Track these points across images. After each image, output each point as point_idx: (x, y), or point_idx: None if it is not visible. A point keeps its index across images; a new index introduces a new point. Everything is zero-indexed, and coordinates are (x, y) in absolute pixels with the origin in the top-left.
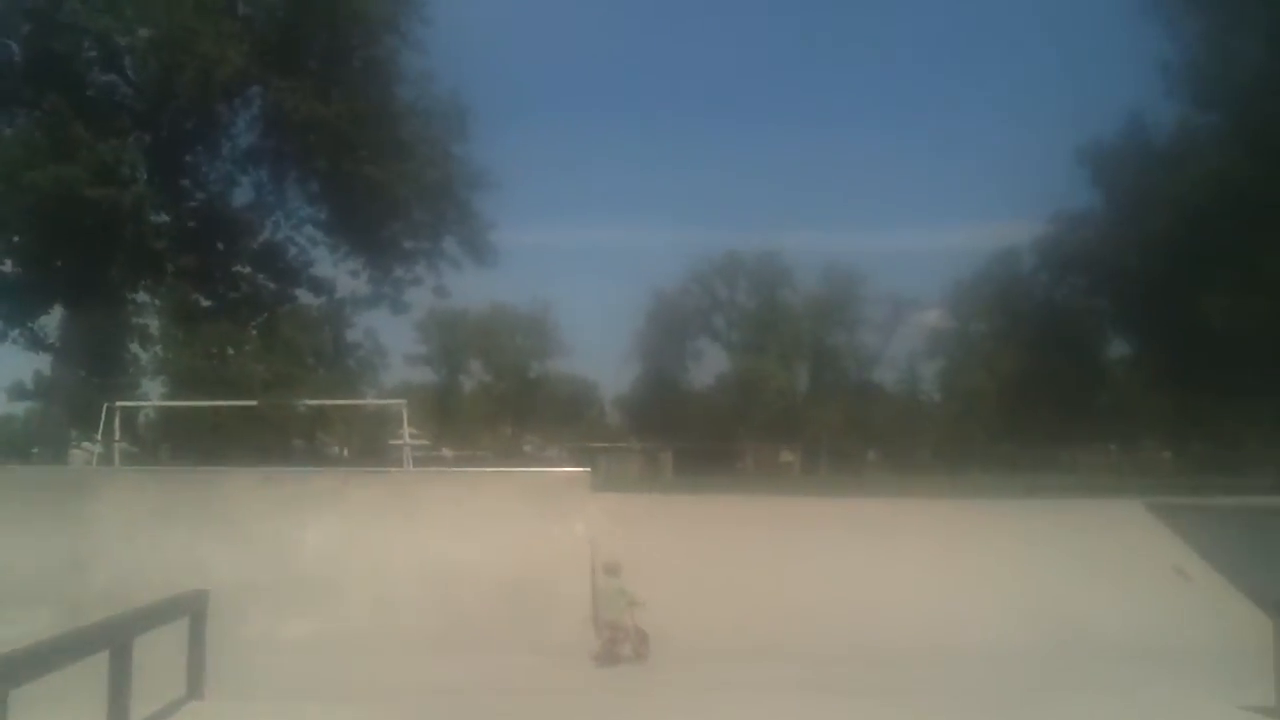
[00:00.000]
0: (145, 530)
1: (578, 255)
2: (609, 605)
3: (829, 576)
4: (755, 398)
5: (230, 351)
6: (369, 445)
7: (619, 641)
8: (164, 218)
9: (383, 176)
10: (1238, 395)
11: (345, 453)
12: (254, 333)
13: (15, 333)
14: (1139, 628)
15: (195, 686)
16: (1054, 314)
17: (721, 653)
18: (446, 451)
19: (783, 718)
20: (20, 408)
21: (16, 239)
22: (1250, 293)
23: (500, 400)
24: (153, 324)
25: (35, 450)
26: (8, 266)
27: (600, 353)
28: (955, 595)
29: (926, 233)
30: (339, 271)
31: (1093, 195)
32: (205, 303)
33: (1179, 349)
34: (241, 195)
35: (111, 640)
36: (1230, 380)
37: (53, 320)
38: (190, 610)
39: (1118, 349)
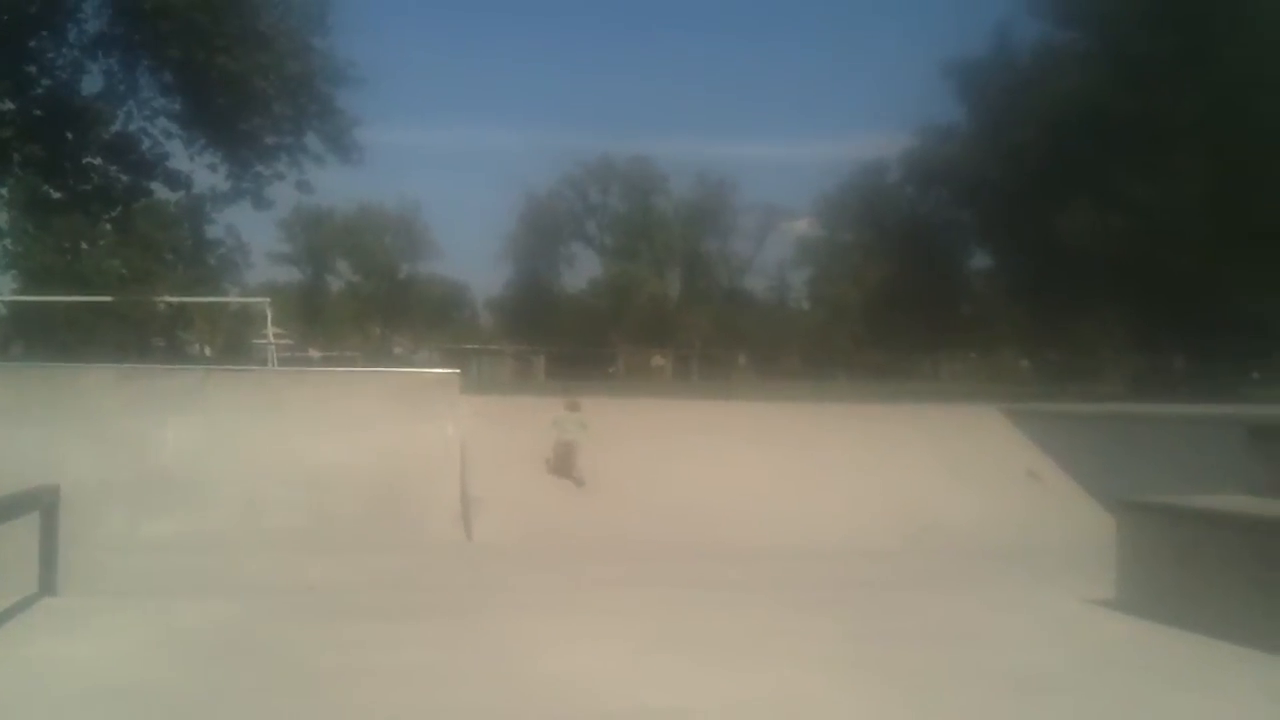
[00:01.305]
0: None
1: (449, 156)
2: (568, 428)
3: (693, 477)
4: (628, 302)
5: (84, 246)
6: (233, 344)
7: (572, 457)
8: (8, 105)
9: (239, 68)
10: (1092, 307)
11: (208, 352)
12: (109, 227)
13: None
14: (992, 527)
15: (48, 583)
16: (918, 226)
17: (590, 549)
18: (314, 352)
19: (641, 609)
20: None
21: None
22: (1107, 209)
23: (369, 301)
24: (1, 217)
25: None
26: None
27: (472, 255)
28: (815, 496)
29: (798, 143)
30: (196, 165)
31: (958, 110)
32: (55, 195)
33: (1038, 261)
34: (91, 84)
35: None
36: (1086, 292)
37: None
38: (40, 505)
39: (980, 261)
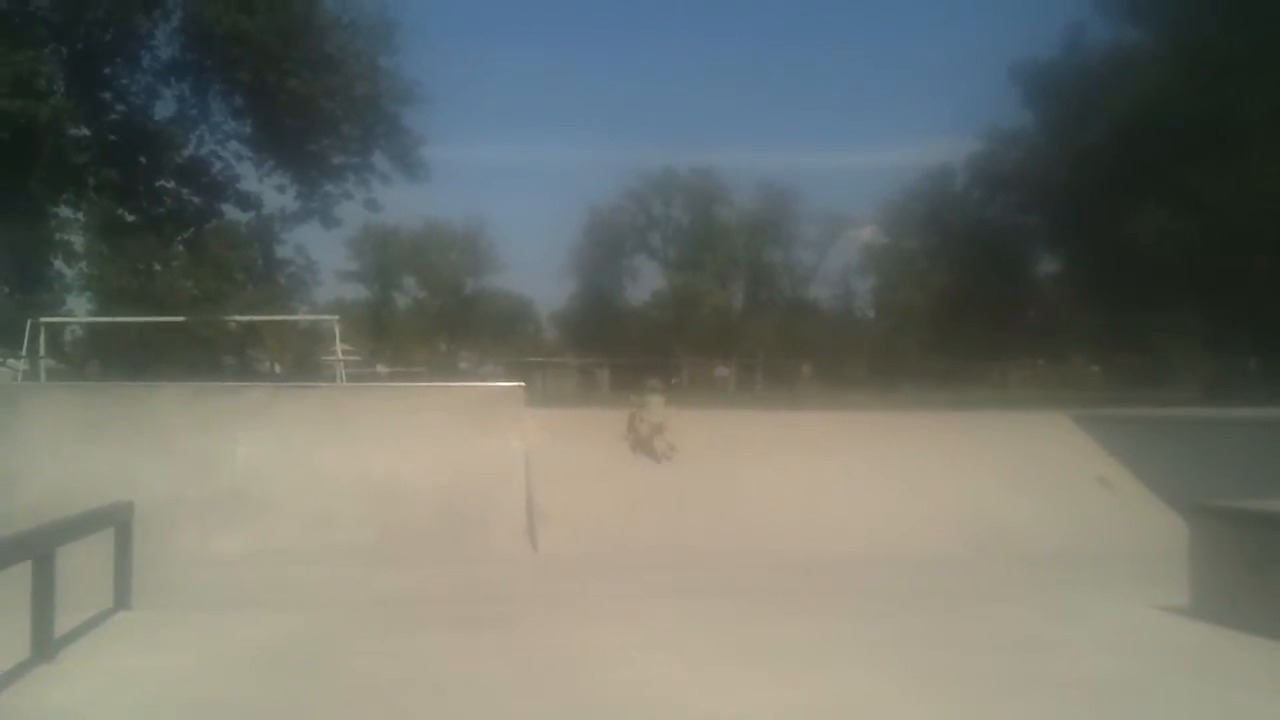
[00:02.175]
0: (73, 445)
1: (512, 172)
2: (655, 411)
3: (759, 487)
4: (691, 314)
5: (157, 267)
6: (302, 362)
7: (663, 435)
8: (84, 131)
9: (308, 90)
10: (1163, 311)
11: (278, 369)
12: (181, 248)
13: None
14: (1062, 535)
15: (122, 597)
16: (985, 231)
17: (656, 560)
18: (381, 368)
19: (716, 621)
20: None
21: None
22: (1178, 212)
23: (435, 317)
24: (77, 240)
25: None
26: None
27: (536, 270)
28: (884, 506)
29: (862, 150)
30: (266, 186)
31: (1025, 113)
32: (129, 218)
33: (1107, 266)
34: (164, 109)
35: (32, 550)
36: (1156, 297)
37: None
38: (115, 522)
39: (1047, 266)
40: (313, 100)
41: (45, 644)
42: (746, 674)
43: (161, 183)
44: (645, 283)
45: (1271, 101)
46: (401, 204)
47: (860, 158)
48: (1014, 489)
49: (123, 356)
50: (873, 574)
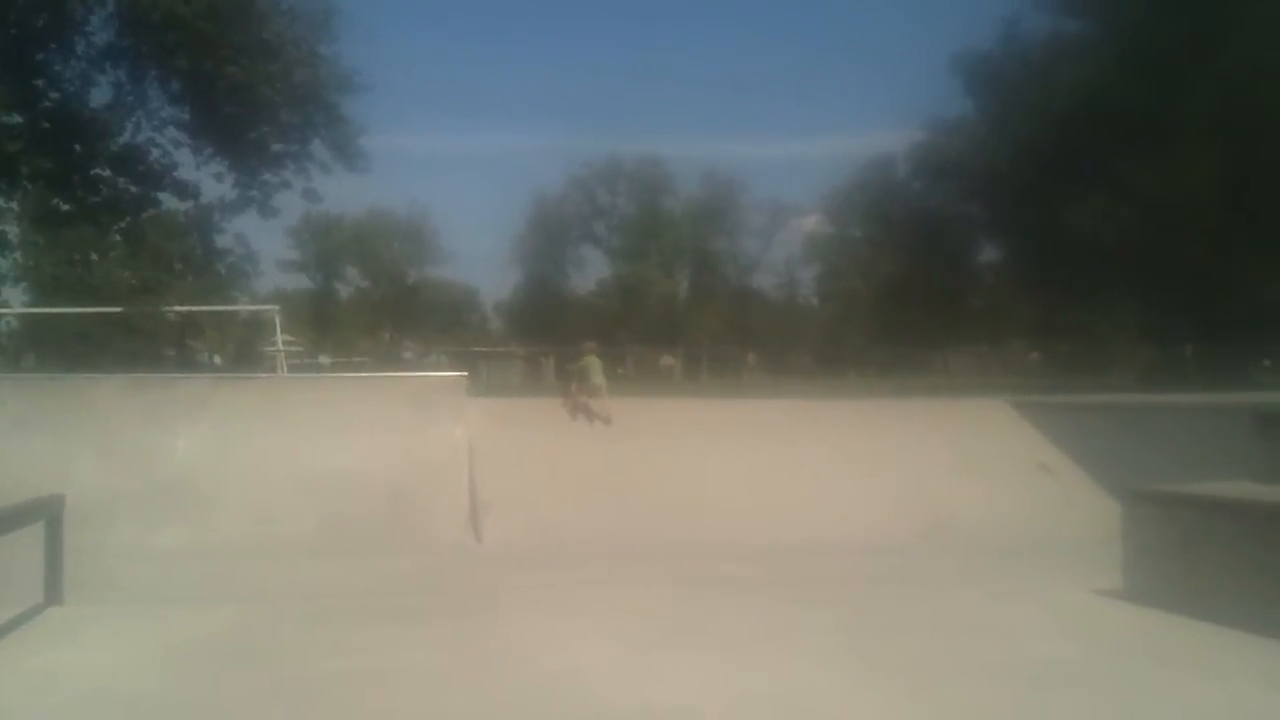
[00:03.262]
0: (6, 438)
1: (456, 161)
2: (595, 372)
3: (702, 475)
4: (637, 303)
5: (94, 257)
6: (243, 352)
7: (601, 398)
8: (16, 119)
9: (246, 77)
10: (1102, 298)
11: (218, 360)
12: (118, 238)
13: None
14: (1002, 520)
15: (53, 592)
16: (927, 220)
17: (599, 549)
18: (324, 358)
19: (658, 609)
20: None
21: None
22: (1115, 200)
23: (378, 306)
24: (11, 230)
25: None
26: None
27: (481, 259)
28: (829, 493)
29: (806, 139)
30: (203, 175)
31: (966, 103)
32: (65, 207)
33: (1046, 254)
34: (99, 96)
35: None
36: (1094, 284)
37: None
38: (45, 515)
39: (988, 254)
40: (251, 87)
41: None
42: (688, 662)
43: (97, 171)
44: (591, 272)
45: (1206, 91)
46: (343, 193)
47: (804, 147)
48: (956, 475)
49: (60, 348)
50: (816, 561)
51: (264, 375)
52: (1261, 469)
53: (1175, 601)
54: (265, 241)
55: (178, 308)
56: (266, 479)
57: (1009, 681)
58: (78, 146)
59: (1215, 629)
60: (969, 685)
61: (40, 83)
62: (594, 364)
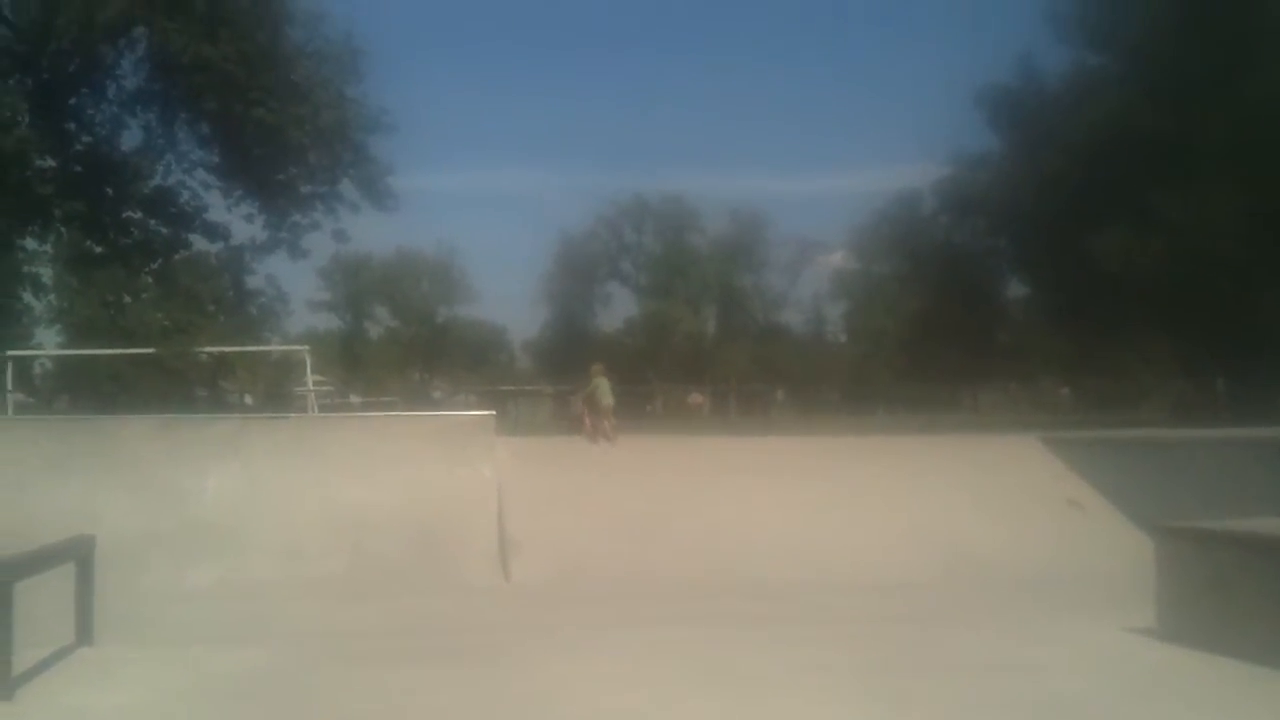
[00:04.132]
0: (39, 479)
1: (483, 200)
2: (604, 393)
3: (731, 514)
4: (664, 340)
5: (126, 299)
6: (274, 393)
7: (610, 419)
8: (49, 162)
9: (275, 119)
10: (1131, 332)
11: (249, 400)
12: (150, 280)
13: None
14: (1032, 557)
15: (84, 633)
16: (954, 255)
17: (627, 589)
18: (354, 398)
19: (684, 650)
20: None
21: None
22: (1143, 233)
23: (408, 346)
24: (45, 272)
25: None
26: None
27: (509, 298)
28: (855, 530)
29: (831, 176)
30: (234, 216)
31: (990, 137)
32: (97, 249)
33: (1074, 289)
34: (130, 139)
35: None
36: (1123, 318)
37: None
38: (75, 556)
39: (1016, 289)
40: (279, 129)
41: (3, 681)
42: (713, 704)
43: (129, 213)
44: (618, 309)
45: (1230, 122)
46: (372, 233)
47: (830, 183)
48: (985, 512)
49: (93, 389)
50: (844, 599)
51: (294, 415)
52: None
53: (1208, 640)
54: (295, 282)
55: (209, 349)
56: (296, 519)
57: (1035, 718)
58: (109, 189)
59: (1248, 668)
60: None
61: (72, 126)
62: (602, 385)
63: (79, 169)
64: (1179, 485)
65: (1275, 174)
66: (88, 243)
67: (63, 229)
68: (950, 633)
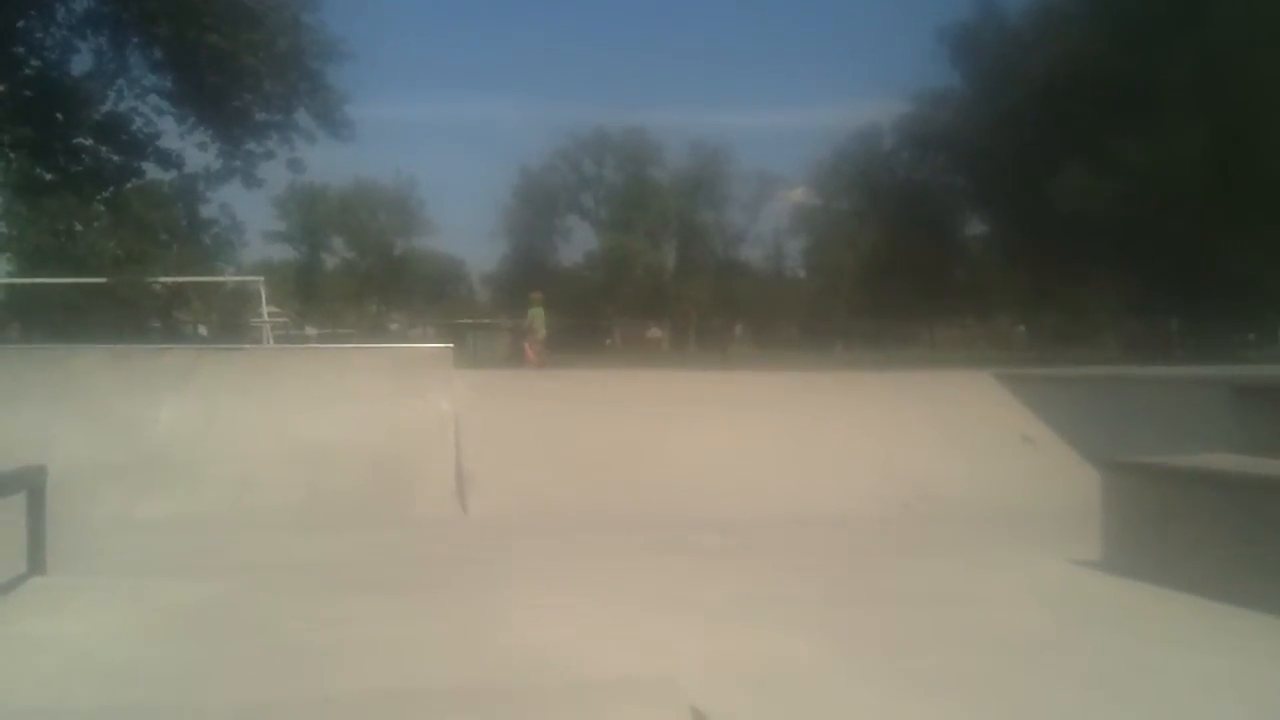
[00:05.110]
0: None
1: (442, 130)
2: (539, 322)
3: (687, 449)
4: (624, 275)
5: (78, 228)
6: (229, 324)
7: (545, 349)
8: None
9: (229, 45)
10: (1087, 270)
11: (204, 331)
12: (102, 208)
13: None
14: (984, 492)
15: (36, 563)
16: (914, 192)
17: (585, 521)
18: (310, 329)
19: (640, 580)
20: None
21: None
22: (1101, 173)
23: (364, 278)
24: None
25: None
26: None
27: (468, 230)
28: (807, 464)
29: (792, 111)
30: (187, 144)
31: (953, 75)
32: (47, 176)
33: (1032, 227)
34: (80, 64)
35: None
36: (1080, 256)
37: None
38: (27, 485)
39: (974, 226)
40: (233, 55)
41: None
42: (667, 631)
43: (79, 140)
44: (578, 243)
45: (1192, 63)
46: (329, 163)
47: (792, 118)
48: (939, 447)
49: (45, 319)
50: (796, 532)
51: (249, 347)
52: (1239, 440)
53: (1151, 571)
54: (250, 212)
55: (163, 279)
56: (251, 450)
57: (981, 649)
58: (59, 115)
59: (1188, 598)
60: (942, 653)
61: (20, 50)
62: (538, 314)
63: (28, 94)
64: (1131, 421)
65: (1234, 117)
66: (37, 169)
67: (11, 155)
68: (901, 565)
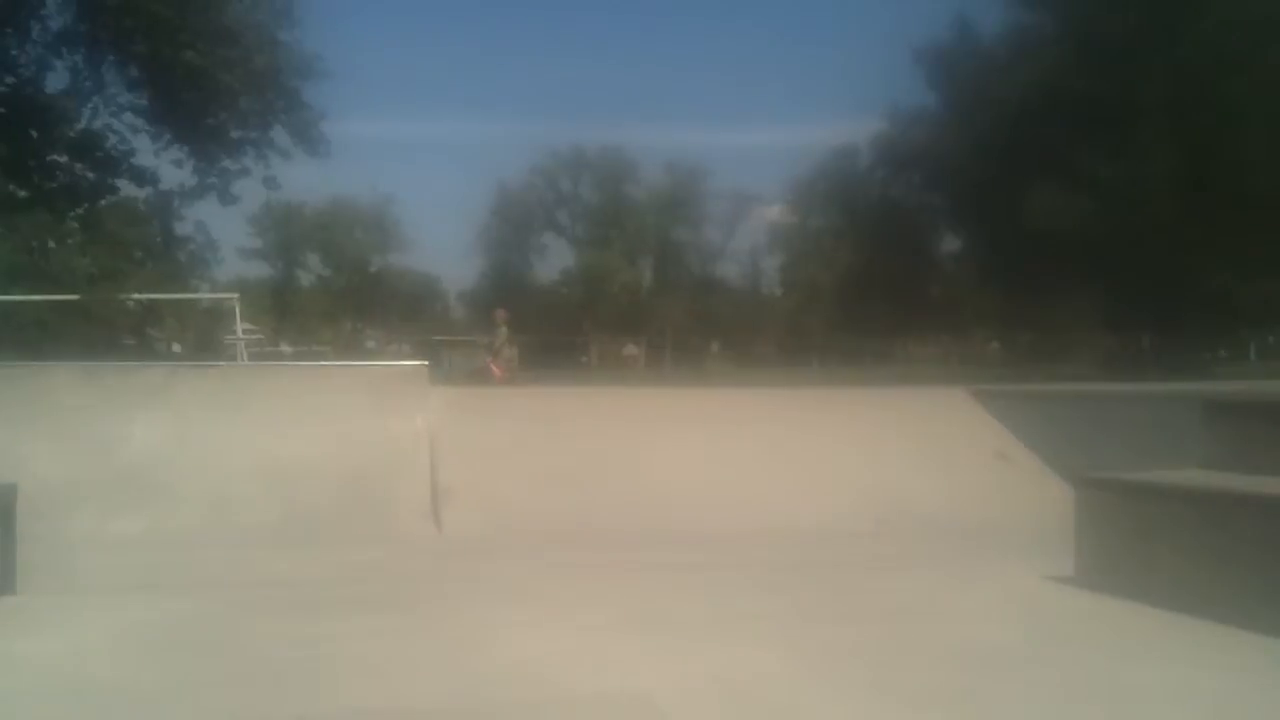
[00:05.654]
0: None
1: (418, 148)
2: (504, 345)
3: (668, 465)
4: (600, 292)
5: (51, 245)
6: (204, 341)
7: (509, 367)
8: None
9: (205, 63)
10: (1062, 288)
11: (178, 349)
12: (76, 225)
13: None
14: (959, 507)
15: (7, 581)
16: (889, 210)
17: (560, 538)
18: (285, 347)
19: (612, 597)
20: None
21: None
22: (1074, 192)
23: (340, 295)
24: None
25: None
26: None
27: (444, 248)
28: (783, 481)
29: (769, 129)
30: (162, 161)
31: (927, 95)
32: (21, 193)
33: (1006, 245)
34: (55, 81)
35: None
36: (1054, 274)
37: None
38: None
39: (950, 244)
40: (210, 73)
41: None
42: (639, 648)
43: (54, 157)
44: (554, 260)
45: (1163, 82)
46: (305, 181)
47: (768, 137)
48: (913, 463)
49: (16, 336)
50: (770, 547)
51: (224, 364)
52: (1211, 456)
53: (1125, 587)
54: (226, 229)
55: (137, 296)
56: (225, 468)
57: (957, 663)
58: (34, 132)
59: (1162, 613)
60: (914, 668)
61: None
62: (502, 334)
63: (2, 110)
64: (1105, 438)
65: (1205, 134)
66: (11, 186)
67: None
68: (875, 580)
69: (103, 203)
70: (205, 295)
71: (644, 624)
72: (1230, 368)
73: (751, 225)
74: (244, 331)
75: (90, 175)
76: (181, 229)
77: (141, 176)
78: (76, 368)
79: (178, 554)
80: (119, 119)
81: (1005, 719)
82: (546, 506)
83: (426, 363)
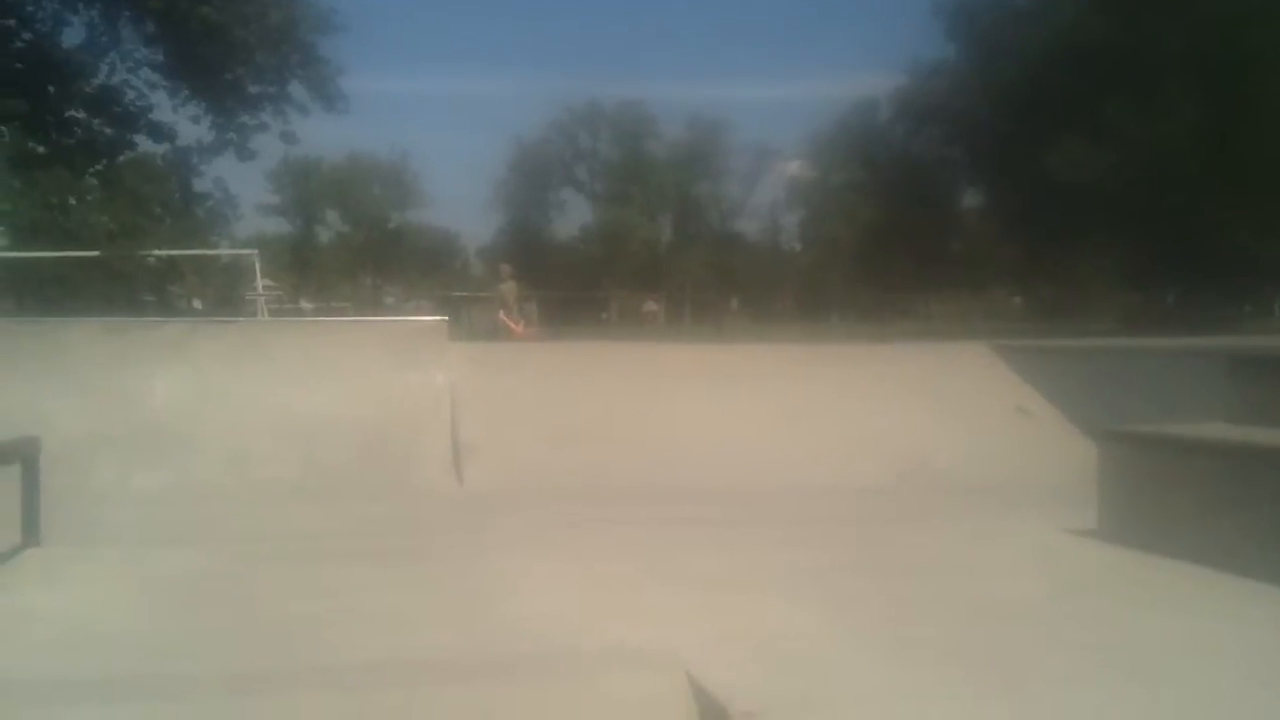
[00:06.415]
0: None
1: (436, 103)
2: (517, 297)
3: (685, 420)
4: (620, 248)
5: (71, 201)
6: (224, 297)
7: (524, 322)
8: None
9: (221, 18)
10: (1084, 242)
11: (198, 305)
12: (95, 182)
13: None
14: (980, 462)
15: (31, 533)
16: (910, 164)
17: (581, 492)
18: (305, 303)
19: (635, 550)
20: None
21: None
22: (1096, 145)
23: (359, 251)
24: None
25: None
26: None
27: (463, 203)
28: (805, 436)
29: (789, 84)
30: (180, 117)
31: (948, 48)
32: (39, 150)
33: (1029, 199)
34: (72, 36)
35: None
36: (1077, 228)
37: None
38: (21, 457)
39: (971, 199)
40: (226, 28)
41: None
42: (662, 600)
43: (72, 113)
44: (573, 216)
45: (1188, 34)
46: (323, 136)
47: (788, 91)
48: (935, 418)
49: (38, 293)
50: (793, 503)
51: (244, 320)
52: (1234, 410)
53: (1145, 540)
54: (244, 185)
55: (156, 252)
56: (246, 423)
57: (979, 617)
58: (51, 88)
59: (1183, 566)
60: (940, 620)
61: (12, 23)
62: (510, 288)
63: (20, 66)
64: (1126, 392)
65: (1230, 87)
66: (30, 143)
67: (3, 129)
68: (896, 535)
69: (121, 159)
70: (225, 251)
71: (665, 577)
72: (1254, 323)
73: (771, 180)
74: (264, 288)
75: (108, 131)
76: (200, 185)
77: (159, 132)
78: (97, 323)
79: (199, 508)
80: (136, 74)
81: (1029, 670)
82: (567, 461)
83: (446, 318)
